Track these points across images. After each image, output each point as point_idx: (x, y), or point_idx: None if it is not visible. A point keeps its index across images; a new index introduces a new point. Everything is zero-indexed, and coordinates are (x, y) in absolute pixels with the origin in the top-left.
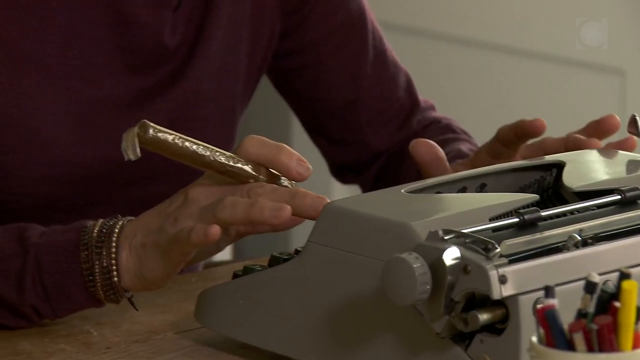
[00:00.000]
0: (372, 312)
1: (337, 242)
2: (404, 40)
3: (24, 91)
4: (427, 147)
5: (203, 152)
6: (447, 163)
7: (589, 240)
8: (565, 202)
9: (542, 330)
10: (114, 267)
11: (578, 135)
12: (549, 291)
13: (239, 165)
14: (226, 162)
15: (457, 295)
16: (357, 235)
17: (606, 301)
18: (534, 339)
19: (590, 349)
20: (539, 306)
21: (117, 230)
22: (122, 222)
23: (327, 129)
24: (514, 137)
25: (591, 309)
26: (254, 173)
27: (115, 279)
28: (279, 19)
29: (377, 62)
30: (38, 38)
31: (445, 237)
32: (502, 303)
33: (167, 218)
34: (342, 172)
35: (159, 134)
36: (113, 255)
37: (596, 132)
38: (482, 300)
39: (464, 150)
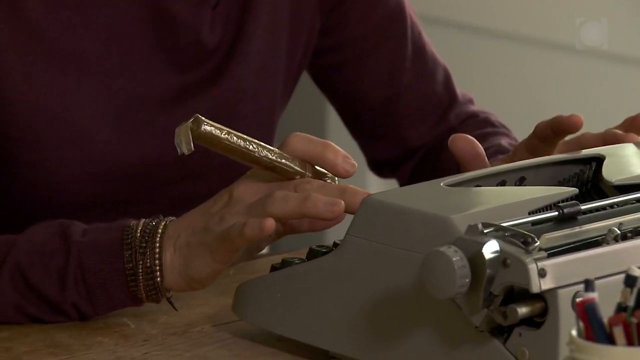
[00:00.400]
0: (410, 305)
1: (376, 235)
2: (444, 34)
3: (65, 87)
4: (466, 143)
5: (252, 148)
6: (486, 159)
7: (629, 234)
8: (604, 196)
9: (581, 324)
10: (157, 268)
11: (616, 130)
12: (588, 285)
13: (286, 161)
14: (274, 158)
15: (496, 288)
16: (397, 228)
17: None
18: (574, 332)
19: (630, 342)
20: (578, 300)
21: (160, 231)
22: (164, 222)
23: (365, 124)
24: (550, 133)
25: (631, 302)
26: (301, 170)
27: (158, 279)
28: (318, 17)
29: (416, 58)
30: (79, 35)
31: (485, 231)
32: (541, 296)
33: (212, 217)
34: (379, 166)
35: (212, 129)
36: (157, 256)
37: (632, 127)
38: (521, 294)
39: (504, 145)
